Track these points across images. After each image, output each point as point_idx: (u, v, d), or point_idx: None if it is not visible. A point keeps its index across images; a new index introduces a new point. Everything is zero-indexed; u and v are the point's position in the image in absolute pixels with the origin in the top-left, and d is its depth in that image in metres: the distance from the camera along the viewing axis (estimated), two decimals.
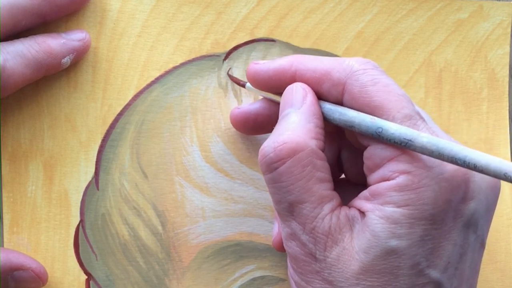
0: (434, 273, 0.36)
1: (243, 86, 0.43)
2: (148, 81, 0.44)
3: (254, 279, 0.44)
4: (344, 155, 0.41)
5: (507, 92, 0.47)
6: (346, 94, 0.37)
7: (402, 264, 0.35)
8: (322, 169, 0.36)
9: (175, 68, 0.45)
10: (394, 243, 0.35)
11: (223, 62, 0.45)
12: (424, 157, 0.35)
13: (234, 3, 0.45)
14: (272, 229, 0.44)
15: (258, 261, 0.44)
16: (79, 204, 0.44)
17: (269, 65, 0.40)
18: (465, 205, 0.36)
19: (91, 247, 0.44)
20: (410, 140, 0.35)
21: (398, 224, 0.35)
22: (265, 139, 0.37)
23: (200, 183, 0.44)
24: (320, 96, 0.38)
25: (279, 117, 0.39)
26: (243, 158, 0.44)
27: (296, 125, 0.37)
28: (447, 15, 0.46)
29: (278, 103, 0.40)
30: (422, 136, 0.35)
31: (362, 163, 0.38)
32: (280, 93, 0.39)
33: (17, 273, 0.42)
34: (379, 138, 0.36)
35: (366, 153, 0.37)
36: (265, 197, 0.44)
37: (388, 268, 0.35)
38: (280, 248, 0.40)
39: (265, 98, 0.42)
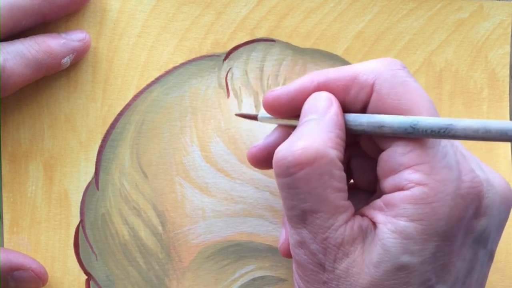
0: None
1: (255, 118, 0.41)
2: (148, 81, 0.44)
3: (254, 279, 0.44)
4: (355, 163, 0.40)
5: (507, 92, 0.47)
6: (374, 95, 0.36)
7: (412, 281, 0.34)
8: (339, 179, 0.35)
9: (175, 68, 0.45)
10: (406, 259, 0.34)
11: (223, 62, 0.45)
12: (442, 170, 0.34)
13: (234, 3, 0.45)
14: (272, 229, 0.44)
15: (258, 261, 0.44)
16: (79, 204, 0.44)
17: (288, 88, 0.38)
18: (477, 221, 0.35)
19: (91, 247, 0.44)
20: (451, 124, 0.33)
21: (411, 240, 0.34)
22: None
23: (200, 183, 0.44)
24: (346, 105, 0.37)
25: (299, 123, 0.37)
26: (243, 158, 0.44)
27: (318, 132, 0.35)
28: (447, 15, 0.46)
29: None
30: (462, 120, 0.33)
31: (373, 171, 0.37)
32: (297, 116, 0.38)
33: (17, 273, 0.42)
34: (413, 132, 0.34)
35: (383, 155, 0.36)
36: (265, 197, 0.44)
37: (397, 284, 0.34)
38: (287, 255, 0.39)
39: (279, 127, 0.40)
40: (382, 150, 0.36)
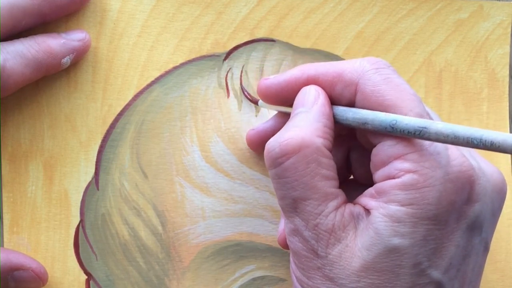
0: (436, 274, 0.36)
1: (256, 103, 0.44)
2: (148, 81, 0.44)
3: (254, 279, 0.44)
4: (353, 156, 0.41)
5: (507, 92, 0.47)
6: (358, 94, 0.37)
7: (404, 263, 0.35)
8: (327, 167, 0.36)
9: (175, 68, 0.45)
10: (396, 241, 0.35)
11: (223, 62, 0.45)
12: (431, 157, 0.35)
13: (234, 3, 0.45)
14: (272, 229, 0.44)
15: (258, 261, 0.44)
16: (79, 204, 0.44)
17: (279, 77, 0.40)
18: (469, 207, 0.36)
19: (91, 247, 0.44)
20: (425, 128, 0.35)
21: (401, 223, 0.35)
22: None
23: (200, 183, 0.44)
24: (333, 100, 0.39)
25: (290, 117, 0.39)
26: (243, 158, 0.44)
27: (304, 123, 0.37)
28: (447, 15, 0.46)
29: None
30: (436, 123, 0.35)
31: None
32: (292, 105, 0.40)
33: (17, 273, 0.42)
34: (392, 131, 0.36)
35: (374, 151, 0.37)
36: (265, 197, 0.44)
37: (389, 266, 0.35)
38: (284, 245, 0.40)
39: (278, 113, 0.42)
40: (374, 145, 0.37)
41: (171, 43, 0.45)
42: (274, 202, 0.44)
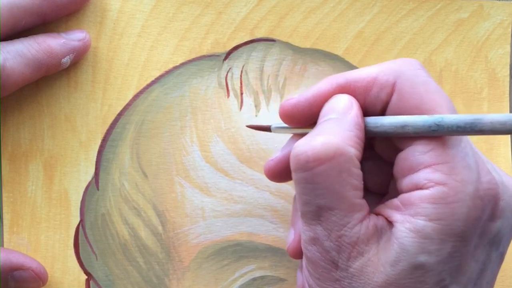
0: None
1: (268, 130, 0.41)
2: (148, 81, 0.44)
3: (254, 279, 0.44)
4: (367, 166, 0.39)
5: (507, 92, 0.47)
6: (395, 95, 0.36)
7: (428, 280, 0.34)
8: (357, 177, 0.35)
9: (175, 68, 0.45)
10: (423, 258, 0.34)
11: (223, 62, 0.45)
12: (463, 171, 0.34)
13: (234, 3, 0.45)
14: (272, 229, 0.44)
15: (258, 261, 0.44)
16: (79, 204, 0.44)
17: (305, 94, 0.38)
18: (492, 223, 0.35)
19: (91, 247, 0.44)
20: (478, 119, 0.34)
21: (429, 239, 0.34)
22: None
23: (200, 183, 0.44)
24: (367, 106, 0.37)
25: (318, 122, 0.37)
26: (243, 158, 0.44)
27: (338, 130, 0.35)
28: (448, 15, 0.46)
29: None
30: (487, 114, 0.34)
31: (385, 173, 0.37)
32: (313, 125, 0.38)
33: (17, 273, 0.42)
34: (438, 129, 0.34)
35: (402, 154, 0.36)
36: (265, 197, 0.44)
37: (413, 283, 0.34)
38: (295, 256, 0.39)
39: (295, 136, 0.40)
40: (400, 150, 0.36)
41: (171, 43, 0.45)
42: (274, 202, 0.44)
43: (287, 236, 0.44)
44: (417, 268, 0.34)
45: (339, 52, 0.46)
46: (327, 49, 0.46)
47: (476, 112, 0.46)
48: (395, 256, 0.34)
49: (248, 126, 0.42)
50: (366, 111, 0.37)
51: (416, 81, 0.36)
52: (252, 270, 0.44)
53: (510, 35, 0.47)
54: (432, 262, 0.34)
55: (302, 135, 0.37)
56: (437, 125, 0.34)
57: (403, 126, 0.35)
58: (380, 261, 0.34)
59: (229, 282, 0.44)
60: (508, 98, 0.47)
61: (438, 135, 0.35)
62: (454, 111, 0.36)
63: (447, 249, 0.34)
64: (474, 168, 0.35)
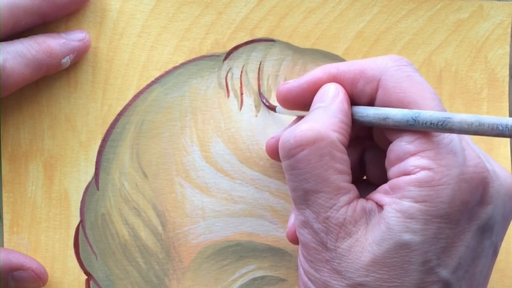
0: (444, 273, 0.36)
1: (274, 109, 0.43)
2: (148, 81, 0.44)
3: (254, 279, 0.44)
4: (368, 156, 0.42)
5: (507, 92, 0.47)
6: (380, 90, 0.37)
7: (413, 260, 0.35)
8: (341, 161, 0.36)
9: (175, 68, 0.45)
10: (407, 237, 0.35)
11: (223, 62, 0.45)
12: (447, 155, 0.35)
13: (234, 3, 0.45)
14: (272, 229, 0.44)
15: (258, 261, 0.44)
16: (79, 204, 0.44)
17: (300, 80, 0.40)
18: (481, 209, 0.36)
19: (91, 247, 0.44)
20: (449, 118, 0.35)
21: (414, 219, 0.35)
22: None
23: (200, 183, 0.44)
24: (354, 97, 0.39)
25: (309, 110, 0.39)
26: (243, 158, 0.44)
27: (321, 117, 0.37)
28: (447, 15, 0.46)
29: None
30: (459, 114, 0.35)
31: (384, 164, 0.38)
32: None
33: (17, 273, 0.42)
34: (414, 124, 0.35)
35: (390, 147, 0.37)
36: (265, 197, 0.44)
37: (398, 262, 0.35)
38: (293, 240, 0.40)
39: (297, 119, 0.42)
40: (390, 142, 0.37)
41: (171, 43, 0.45)
42: (274, 202, 0.44)
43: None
44: (402, 247, 0.35)
45: (339, 52, 0.46)
46: (327, 49, 0.46)
47: (476, 112, 0.46)
48: (381, 235, 0.35)
49: (262, 101, 0.44)
50: (354, 103, 0.39)
51: (399, 76, 0.37)
52: (252, 270, 0.44)
53: (509, 35, 0.47)
54: (416, 241, 0.35)
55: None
56: (414, 120, 0.36)
57: (385, 118, 0.37)
58: (368, 241, 0.35)
59: (229, 282, 0.44)
60: (507, 98, 0.47)
61: (415, 129, 0.36)
62: (437, 102, 0.37)
63: (432, 229, 0.35)
64: (460, 153, 0.36)
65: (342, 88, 0.39)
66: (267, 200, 0.44)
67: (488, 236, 0.37)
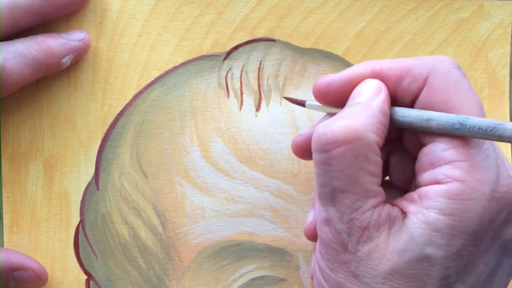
0: None
1: (303, 105, 0.41)
2: (148, 81, 0.44)
3: (254, 279, 0.44)
4: (393, 160, 0.40)
5: (507, 92, 0.47)
6: (425, 89, 0.36)
7: (433, 274, 0.34)
8: (374, 164, 0.35)
9: (175, 68, 0.45)
10: (430, 251, 0.34)
11: (223, 62, 0.45)
12: (482, 170, 0.34)
13: (234, 3, 0.45)
14: (272, 229, 0.44)
15: (258, 261, 0.44)
16: (79, 204, 0.44)
17: (341, 74, 0.39)
18: (506, 228, 0.36)
19: (91, 247, 0.44)
20: (500, 124, 0.34)
21: (439, 233, 0.34)
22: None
23: (200, 183, 0.44)
24: (397, 95, 0.38)
25: (347, 104, 0.38)
26: (243, 158, 0.44)
27: (361, 115, 0.36)
28: (448, 15, 0.46)
29: None
30: (506, 124, 0.34)
31: (411, 168, 0.37)
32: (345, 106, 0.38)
33: (17, 273, 0.42)
34: (461, 128, 0.34)
35: (425, 150, 0.36)
36: (265, 197, 0.44)
37: (418, 275, 0.34)
38: (310, 237, 0.40)
39: (327, 115, 0.40)
40: (424, 145, 0.36)
41: (171, 43, 0.45)
42: (274, 202, 0.44)
43: (287, 236, 0.44)
44: (424, 260, 0.34)
45: (339, 52, 0.46)
46: (327, 49, 0.46)
47: None
48: (403, 245, 0.34)
49: (285, 98, 0.43)
50: (395, 101, 0.38)
51: (448, 79, 0.36)
52: (252, 270, 0.44)
53: (510, 35, 0.47)
54: (439, 256, 0.34)
55: (334, 114, 0.38)
56: (461, 123, 0.35)
57: (428, 120, 0.36)
58: (388, 248, 0.35)
59: (229, 282, 0.44)
60: (508, 98, 0.47)
61: (460, 134, 0.35)
62: (483, 115, 0.36)
63: (456, 245, 0.34)
64: (494, 170, 0.35)
65: (385, 86, 0.37)
66: (267, 200, 0.44)
67: (508, 256, 0.36)
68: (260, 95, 0.45)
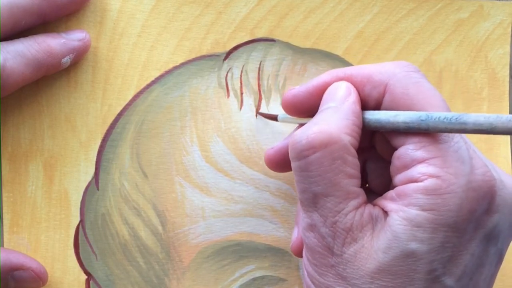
0: (449, 281, 0.35)
1: (275, 119, 0.43)
2: (148, 81, 0.44)
3: (254, 279, 0.44)
4: (370, 166, 0.41)
5: (507, 92, 0.47)
6: (387, 95, 0.37)
7: (419, 268, 0.35)
8: (352, 165, 0.36)
9: (175, 68, 0.45)
10: (414, 246, 0.34)
11: (223, 62, 0.45)
12: (455, 164, 0.35)
13: (234, 3, 0.45)
14: (272, 229, 0.44)
15: (258, 261, 0.44)
16: (79, 204, 0.44)
17: (307, 85, 0.40)
18: (488, 217, 0.36)
19: (91, 247, 0.44)
20: (460, 116, 0.34)
21: (421, 228, 0.34)
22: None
23: (200, 183, 0.44)
24: (362, 101, 0.38)
25: (319, 110, 0.38)
26: (243, 158, 0.44)
27: (333, 119, 0.36)
28: (448, 15, 0.46)
29: None
30: (470, 113, 0.34)
31: (387, 173, 0.37)
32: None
33: (17, 273, 0.42)
34: (427, 119, 0.35)
35: (397, 153, 0.37)
36: (265, 197, 0.44)
37: (404, 271, 0.35)
38: (297, 253, 0.40)
39: (299, 126, 0.41)
40: (396, 149, 0.37)
41: (171, 43, 0.45)
42: (274, 202, 0.44)
43: (287, 236, 0.44)
44: (409, 256, 0.35)
45: (339, 52, 0.46)
46: (327, 49, 0.46)
47: (476, 112, 0.46)
48: (387, 243, 0.35)
49: (259, 113, 0.44)
50: (361, 107, 0.38)
51: (408, 82, 0.37)
52: (252, 270, 0.44)
53: (510, 35, 0.47)
54: (423, 251, 0.34)
55: None
56: (427, 114, 0.35)
57: (395, 115, 0.36)
58: (373, 248, 0.35)
59: (229, 282, 0.44)
60: (508, 98, 0.47)
61: (426, 127, 0.35)
62: (446, 109, 0.36)
63: (438, 238, 0.35)
64: (467, 161, 0.35)
65: (354, 88, 0.38)
66: (267, 200, 0.44)
67: (494, 244, 0.37)
68: (260, 95, 0.45)
